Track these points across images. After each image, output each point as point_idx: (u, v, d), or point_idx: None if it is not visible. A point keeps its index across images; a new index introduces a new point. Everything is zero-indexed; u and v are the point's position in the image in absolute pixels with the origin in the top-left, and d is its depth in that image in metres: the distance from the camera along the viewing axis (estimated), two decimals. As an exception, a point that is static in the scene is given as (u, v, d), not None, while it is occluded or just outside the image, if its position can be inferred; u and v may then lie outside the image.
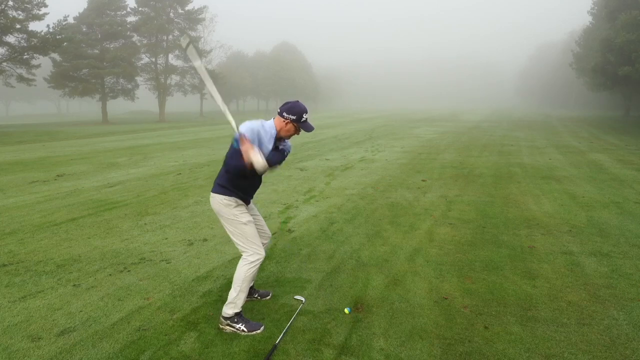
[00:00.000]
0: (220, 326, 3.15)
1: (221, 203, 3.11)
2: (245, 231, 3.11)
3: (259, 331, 3.10)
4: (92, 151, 15.92)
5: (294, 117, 3.03)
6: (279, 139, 3.11)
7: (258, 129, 2.96)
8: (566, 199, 7.22)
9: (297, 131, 3.12)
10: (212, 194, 3.17)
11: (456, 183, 8.65)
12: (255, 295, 3.64)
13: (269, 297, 3.67)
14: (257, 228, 3.30)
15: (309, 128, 3.12)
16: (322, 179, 9.33)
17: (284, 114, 3.04)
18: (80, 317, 3.34)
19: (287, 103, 3.10)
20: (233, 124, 2.89)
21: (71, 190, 8.41)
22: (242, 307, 3.16)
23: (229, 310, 3.11)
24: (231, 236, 3.16)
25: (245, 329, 3.10)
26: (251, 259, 3.10)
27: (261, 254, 3.14)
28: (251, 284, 3.30)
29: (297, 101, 3.13)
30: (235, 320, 3.12)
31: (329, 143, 17.33)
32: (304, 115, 3.05)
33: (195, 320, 3.28)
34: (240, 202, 3.15)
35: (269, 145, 3.04)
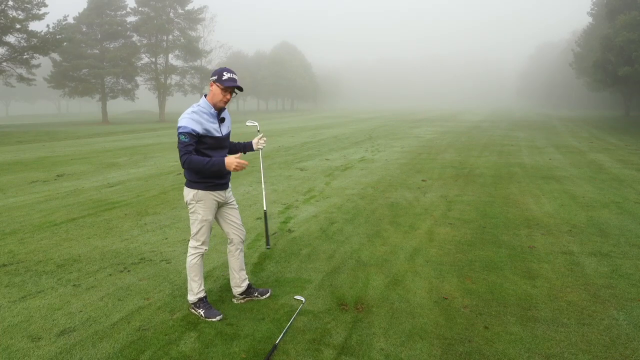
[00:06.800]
0: (189, 309, 3.45)
1: (187, 196, 3.38)
2: (197, 226, 3.37)
3: (215, 319, 3.27)
4: (92, 151, 15.92)
5: (215, 77, 3.18)
6: (218, 110, 3.26)
7: (197, 118, 3.12)
8: (566, 199, 7.22)
9: (223, 92, 3.17)
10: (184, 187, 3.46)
11: (456, 183, 8.65)
12: (255, 294, 3.64)
13: (268, 294, 3.67)
14: (228, 223, 3.54)
15: (232, 83, 3.18)
16: (322, 179, 9.32)
17: (210, 78, 3.23)
18: (80, 317, 3.34)
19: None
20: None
21: (71, 190, 8.41)
22: (201, 292, 3.38)
23: (188, 296, 3.43)
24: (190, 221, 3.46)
25: (203, 315, 3.32)
26: (192, 250, 3.39)
27: (202, 247, 3.38)
28: (199, 273, 3.40)
29: (224, 67, 3.31)
30: (197, 305, 3.38)
31: (329, 143, 17.33)
32: (224, 74, 3.18)
33: (195, 320, 3.28)
34: (204, 194, 3.36)
35: (214, 124, 3.22)
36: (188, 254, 3.39)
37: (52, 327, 3.19)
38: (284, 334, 3.06)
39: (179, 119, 3.13)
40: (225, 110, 3.36)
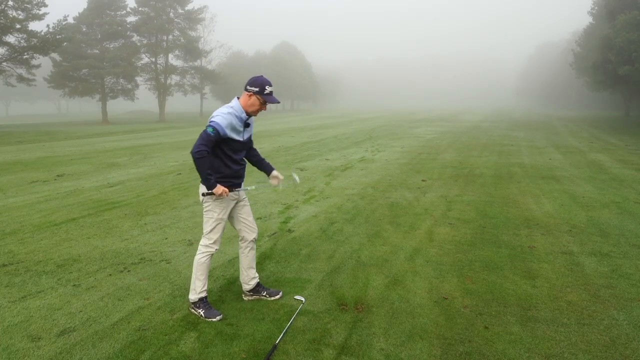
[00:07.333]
0: (189, 308, 3.45)
1: (202, 193, 3.31)
2: (211, 224, 3.34)
3: (214, 319, 3.27)
4: (92, 151, 15.92)
5: (256, 89, 3.21)
6: (248, 115, 3.31)
7: (231, 120, 3.19)
8: (566, 199, 7.22)
9: (262, 105, 3.28)
10: (200, 184, 3.38)
11: (456, 183, 8.65)
12: (263, 294, 3.64)
13: (278, 296, 3.65)
14: (241, 221, 3.51)
15: (272, 100, 3.29)
16: (322, 179, 9.32)
17: (248, 87, 3.24)
18: (80, 317, 3.34)
19: (252, 77, 3.29)
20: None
21: (71, 190, 8.41)
22: (204, 292, 3.38)
23: (190, 295, 3.41)
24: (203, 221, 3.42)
25: (203, 315, 3.30)
26: (203, 249, 3.37)
27: (213, 247, 3.37)
28: (205, 273, 3.39)
29: (261, 75, 3.33)
30: (197, 305, 3.36)
31: (329, 143, 17.33)
32: (266, 88, 3.23)
33: (195, 320, 3.28)
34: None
35: (240, 128, 3.29)
36: (197, 252, 3.38)
37: (52, 327, 3.19)
38: (284, 334, 3.06)
39: (215, 114, 3.19)
40: (252, 117, 3.39)
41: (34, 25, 32.05)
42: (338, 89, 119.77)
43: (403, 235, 5.31)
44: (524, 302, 3.55)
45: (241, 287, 3.68)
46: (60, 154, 15.19)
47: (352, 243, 5.04)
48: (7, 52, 32.29)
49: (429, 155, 13.14)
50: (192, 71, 50.89)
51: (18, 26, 30.68)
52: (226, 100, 67.90)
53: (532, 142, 16.97)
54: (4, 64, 32.46)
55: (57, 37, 32.16)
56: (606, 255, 4.58)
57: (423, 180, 8.95)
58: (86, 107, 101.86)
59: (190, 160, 12.75)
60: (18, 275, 4.16)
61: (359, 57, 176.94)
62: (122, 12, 45.95)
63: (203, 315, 3.30)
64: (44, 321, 3.28)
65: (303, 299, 3.57)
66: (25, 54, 32.43)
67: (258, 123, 34.65)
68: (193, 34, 49.98)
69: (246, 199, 3.57)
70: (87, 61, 42.03)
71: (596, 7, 40.68)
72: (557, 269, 4.22)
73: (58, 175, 10.25)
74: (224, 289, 3.83)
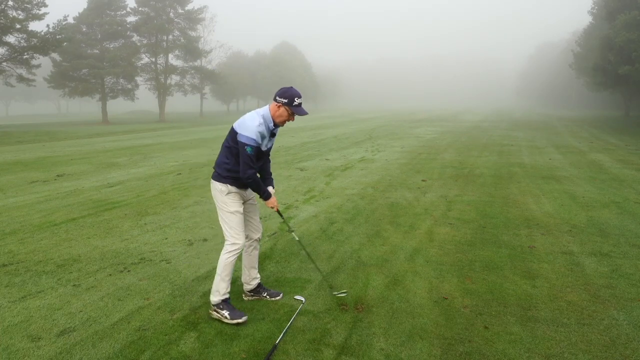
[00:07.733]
0: (210, 311, 3.36)
1: (215, 189, 3.34)
2: (229, 219, 3.29)
3: (240, 320, 3.21)
4: (92, 151, 15.92)
5: (285, 101, 3.21)
6: (275, 125, 3.33)
7: (262, 130, 3.19)
8: (566, 199, 7.22)
9: (290, 116, 3.28)
10: (211, 181, 3.41)
11: (456, 183, 8.65)
12: (264, 294, 3.64)
13: (279, 297, 3.64)
14: (247, 220, 3.50)
15: (301, 112, 3.27)
16: (322, 179, 9.32)
17: (277, 97, 3.24)
18: (80, 317, 3.34)
19: (282, 88, 3.29)
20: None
21: (71, 190, 8.41)
22: (227, 294, 3.31)
23: (212, 297, 3.33)
24: (220, 221, 3.37)
25: (228, 316, 3.23)
26: (230, 247, 3.28)
27: (239, 242, 3.29)
28: (231, 273, 3.34)
29: (291, 87, 3.31)
30: (221, 306, 3.28)
31: (329, 143, 17.33)
32: (296, 99, 3.22)
33: (195, 320, 3.28)
34: (234, 189, 3.32)
35: (266, 139, 3.31)
36: (224, 252, 3.29)
37: (52, 327, 3.19)
38: (284, 334, 3.06)
39: (247, 128, 3.15)
40: (278, 127, 3.38)
41: (34, 25, 32.09)
42: (338, 89, 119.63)
43: (403, 235, 5.31)
44: (524, 302, 3.55)
45: (241, 287, 3.69)
46: (60, 154, 15.19)
47: (352, 243, 5.04)
48: (7, 52, 32.28)
49: (429, 155, 13.14)
50: (192, 71, 50.88)
51: (18, 26, 30.66)
52: (226, 100, 68.02)
53: (532, 142, 16.96)
54: (4, 64, 32.45)
55: (57, 37, 32.15)
56: (606, 255, 4.58)
57: (423, 180, 8.95)
58: (86, 107, 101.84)
59: (190, 160, 12.76)
60: (18, 275, 4.16)
61: (359, 57, 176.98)
62: (122, 12, 45.92)
63: (228, 317, 3.22)
64: (44, 321, 3.28)
65: (303, 299, 3.57)
66: (25, 54, 32.42)
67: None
68: (193, 34, 49.97)
69: (254, 198, 3.57)
70: (87, 61, 42.02)
71: (596, 7, 40.66)
72: (557, 269, 4.22)
73: (58, 175, 10.25)
74: (224, 289, 3.83)
